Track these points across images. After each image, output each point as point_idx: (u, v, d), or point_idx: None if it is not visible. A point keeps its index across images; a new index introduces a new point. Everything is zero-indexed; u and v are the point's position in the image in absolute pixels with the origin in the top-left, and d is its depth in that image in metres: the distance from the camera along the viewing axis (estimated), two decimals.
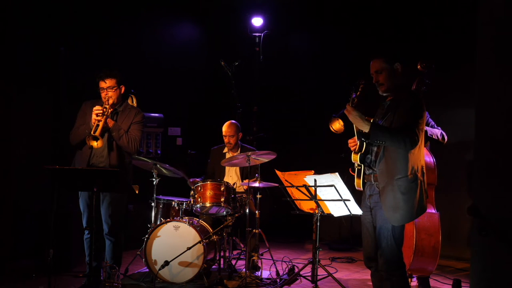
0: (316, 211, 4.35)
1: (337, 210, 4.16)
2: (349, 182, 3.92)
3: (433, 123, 4.93)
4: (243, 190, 5.51)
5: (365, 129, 3.51)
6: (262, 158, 5.16)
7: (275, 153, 5.10)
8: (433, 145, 5.12)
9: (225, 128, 5.73)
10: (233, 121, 5.79)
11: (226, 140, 5.72)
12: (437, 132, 4.80)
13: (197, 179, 5.42)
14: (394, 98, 3.66)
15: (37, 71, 5.74)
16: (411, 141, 3.44)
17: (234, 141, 5.70)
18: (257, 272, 5.20)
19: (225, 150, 5.81)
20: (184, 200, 5.21)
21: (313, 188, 4.16)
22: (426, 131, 4.57)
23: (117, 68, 4.62)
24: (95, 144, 4.25)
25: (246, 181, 5.43)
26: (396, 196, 3.50)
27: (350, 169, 3.84)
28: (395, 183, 3.50)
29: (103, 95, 4.46)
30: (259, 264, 5.31)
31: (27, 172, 5.53)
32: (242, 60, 6.50)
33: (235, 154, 5.63)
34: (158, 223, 5.01)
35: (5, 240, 5.46)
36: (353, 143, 3.74)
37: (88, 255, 4.54)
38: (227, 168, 5.79)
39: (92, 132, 4.26)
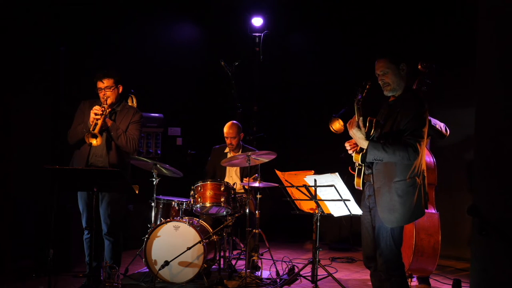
0: (316, 211, 4.34)
1: (337, 210, 4.16)
2: (349, 182, 3.91)
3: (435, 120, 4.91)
4: (243, 190, 5.50)
5: (363, 146, 3.52)
6: (262, 158, 5.16)
7: (275, 153, 5.10)
8: (433, 144, 5.12)
9: (226, 129, 5.70)
10: (234, 121, 5.76)
11: (228, 141, 5.70)
12: (440, 124, 4.79)
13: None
14: (398, 98, 3.66)
15: (37, 71, 5.73)
16: (410, 156, 3.44)
17: (236, 143, 5.69)
18: (257, 272, 5.20)
19: (227, 150, 5.80)
20: (184, 200, 5.20)
21: (313, 188, 4.16)
22: (430, 120, 4.57)
23: (116, 68, 4.62)
24: (94, 141, 4.25)
25: (246, 180, 5.43)
26: (392, 198, 3.50)
27: (350, 167, 3.84)
28: (392, 185, 3.50)
29: (101, 95, 4.47)
30: (259, 264, 5.31)
31: (27, 172, 5.52)
32: (242, 60, 6.50)
33: (236, 154, 5.62)
34: (158, 223, 5.01)
35: (5, 240, 5.45)
36: (350, 145, 3.73)
37: (88, 255, 4.54)
38: (228, 168, 5.78)
39: (91, 130, 4.27)
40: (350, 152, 3.73)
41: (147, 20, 6.94)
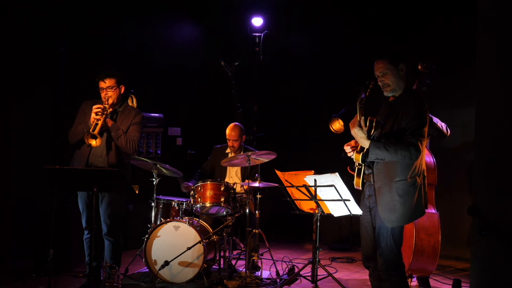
0: (316, 211, 4.34)
1: (337, 210, 4.16)
2: (349, 182, 3.91)
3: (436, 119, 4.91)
4: (243, 191, 5.50)
5: (365, 145, 3.52)
6: (262, 158, 5.16)
7: (275, 153, 5.10)
8: (433, 144, 5.12)
9: (228, 131, 5.68)
10: (237, 123, 5.73)
11: (230, 143, 5.68)
12: (442, 123, 4.80)
13: (190, 184, 5.41)
14: (398, 98, 3.66)
15: (37, 71, 5.73)
16: (412, 155, 3.44)
17: (238, 145, 5.68)
18: (257, 272, 5.20)
19: (228, 150, 5.79)
20: (184, 200, 5.21)
21: (313, 188, 4.16)
22: (431, 119, 4.57)
23: (116, 68, 4.62)
24: (93, 142, 4.25)
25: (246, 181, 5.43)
26: (393, 198, 3.50)
27: (348, 167, 3.84)
28: (393, 185, 3.50)
29: (102, 95, 4.47)
30: (259, 264, 5.31)
31: (27, 172, 5.52)
32: (242, 60, 6.49)
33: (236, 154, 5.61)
34: (158, 223, 5.01)
35: (5, 240, 5.45)
36: (351, 147, 3.73)
37: (88, 255, 4.55)
38: (228, 168, 5.78)
39: (90, 130, 4.27)
40: (349, 154, 3.72)
41: (147, 20, 6.93)
